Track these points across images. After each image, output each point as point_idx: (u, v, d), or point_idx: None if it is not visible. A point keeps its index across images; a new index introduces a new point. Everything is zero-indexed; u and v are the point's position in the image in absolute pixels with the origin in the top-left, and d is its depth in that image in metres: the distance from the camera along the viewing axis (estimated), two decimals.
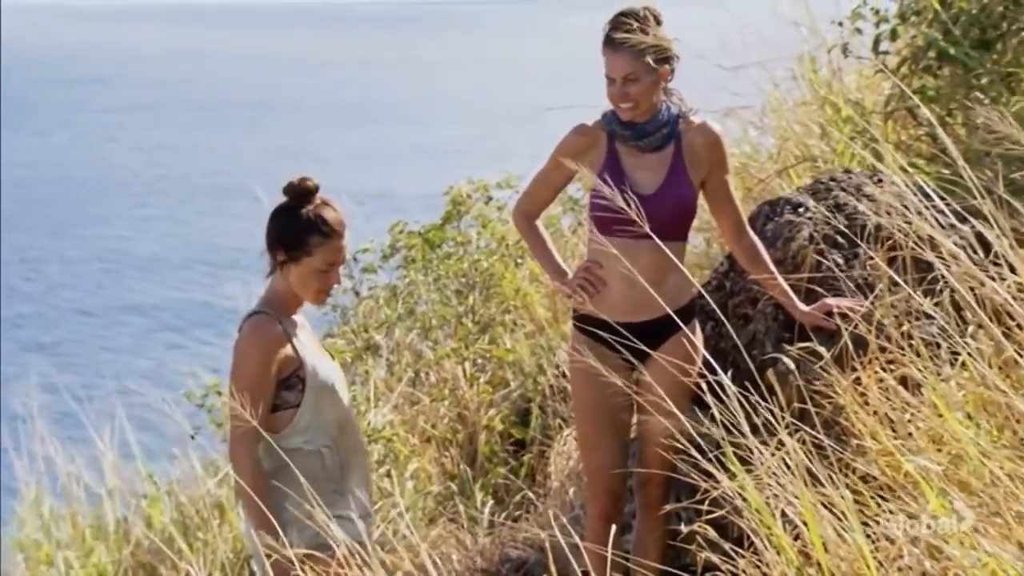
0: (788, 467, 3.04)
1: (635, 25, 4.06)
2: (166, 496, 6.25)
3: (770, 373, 3.99)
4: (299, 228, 3.88)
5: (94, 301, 25.40)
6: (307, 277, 3.90)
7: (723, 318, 4.46)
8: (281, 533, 3.43)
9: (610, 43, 4.09)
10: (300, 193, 3.90)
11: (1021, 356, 3.28)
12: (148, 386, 17.05)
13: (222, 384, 6.94)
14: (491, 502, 6.25)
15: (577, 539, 3.63)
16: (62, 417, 6.75)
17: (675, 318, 3.96)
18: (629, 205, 3.42)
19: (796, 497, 2.92)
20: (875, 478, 3.31)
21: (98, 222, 33.30)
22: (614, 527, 4.34)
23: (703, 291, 4.80)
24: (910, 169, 4.98)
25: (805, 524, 2.91)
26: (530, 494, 6.11)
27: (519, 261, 8.26)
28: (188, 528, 6.07)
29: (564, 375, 6.65)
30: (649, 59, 4.07)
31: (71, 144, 46.44)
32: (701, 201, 4.33)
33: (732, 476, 3.06)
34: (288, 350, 3.85)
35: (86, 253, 29.76)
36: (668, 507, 4.26)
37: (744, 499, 2.98)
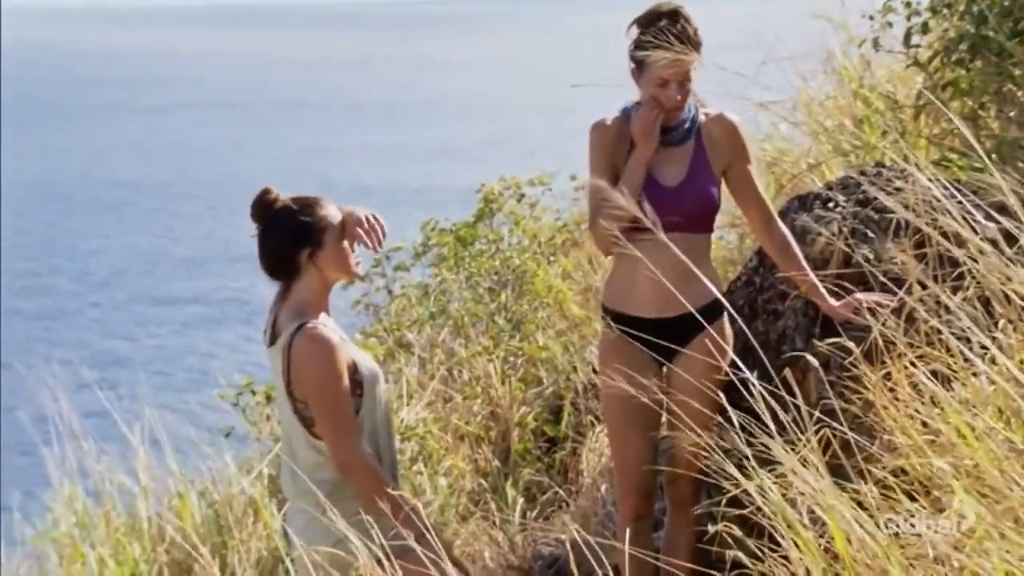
0: (814, 465, 3.03)
1: (689, 26, 4.06)
2: (200, 495, 6.29)
3: (799, 369, 3.97)
4: (299, 218, 3.87)
5: (129, 299, 25.59)
6: (339, 251, 3.89)
7: (753, 314, 4.44)
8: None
9: (673, 47, 4.05)
10: (269, 202, 3.91)
11: None
12: (181, 383, 17.17)
13: (256, 383, 6.96)
14: (523, 500, 6.24)
15: (608, 536, 3.62)
16: (92, 414, 6.79)
17: (698, 316, 3.94)
18: (642, 205, 3.43)
19: (822, 492, 2.90)
20: (906, 473, 3.28)
21: (137, 221, 33.57)
22: (645, 524, 4.35)
23: (732, 286, 4.80)
24: (941, 164, 4.95)
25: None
26: (561, 491, 6.10)
27: (551, 259, 8.25)
28: (222, 527, 6.10)
29: (596, 372, 6.63)
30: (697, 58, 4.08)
31: (107, 144, 46.82)
32: (727, 195, 4.31)
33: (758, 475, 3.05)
34: (346, 354, 3.85)
35: (123, 251, 29.98)
36: (699, 508, 4.24)
37: (767, 498, 2.97)
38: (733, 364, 3.85)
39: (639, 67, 4.14)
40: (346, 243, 3.92)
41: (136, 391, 7.11)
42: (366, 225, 3.94)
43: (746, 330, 4.10)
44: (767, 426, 3.09)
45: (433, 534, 3.50)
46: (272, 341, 3.92)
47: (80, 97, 60.31)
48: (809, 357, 3.95)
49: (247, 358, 14.44)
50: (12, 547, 6.51)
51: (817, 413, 3.33)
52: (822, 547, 2.92)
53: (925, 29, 6.14)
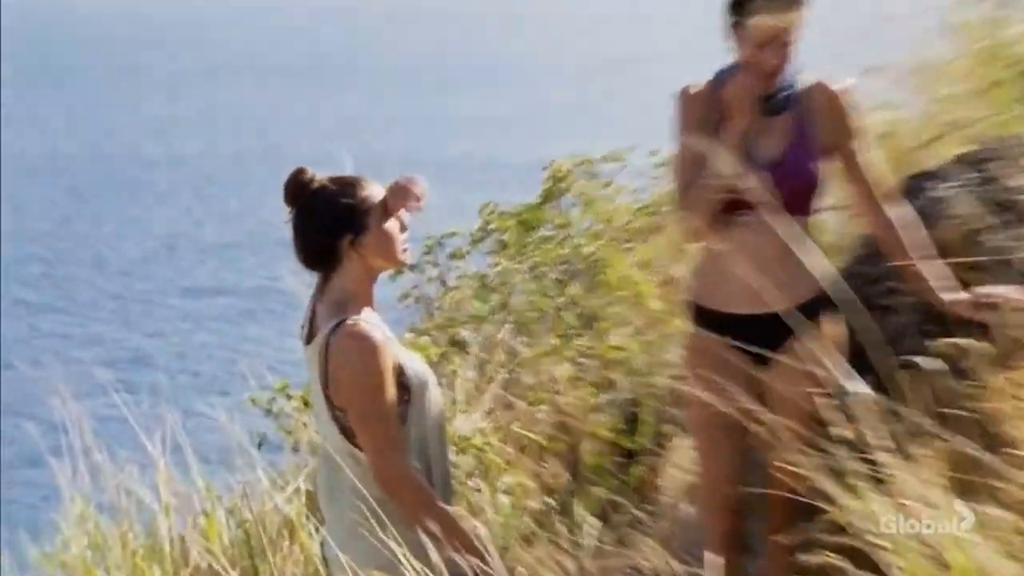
0: (934, 485, 3.01)
1: None
2: (228, 512, 6.33)
3: (913, 373, 3.94)
4: (339, 200, 3.86)
5: (150, 290, 25.81)
6: (383, 235, 3.88)
7: (861, 309, 4.39)
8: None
9: (774, 3, 4.03)
10: (305, 183, 3.90)
11: None
12: (208, 385, 17.31)
13: (292, 386, 7.00)
14: (595, 521, 6.24)
15: (691, 563, 3.62)
16: (108, 420, 6.86)
17: (785, 318, 3.93)
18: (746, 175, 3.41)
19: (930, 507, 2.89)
20: None
21: (157, 201, 33.91)
22: (734, 547, 4.34)
23: (839, 277, 4.76)
24: None
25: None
26: (639, 512, 6.10)
27: (628, 245, 8.22)
28: (254, 549, 6.13)
29: (679, 376, 6.61)
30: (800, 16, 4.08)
31: (122, 114, 47.35)
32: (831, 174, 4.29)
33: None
34: (392, 355, 3.84)
35: (143, 235, 30.27)
36: (796, 534, 4.22)
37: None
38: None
39: (735, 27, 4.13)
40: (390, 225, 3.91)
41: (157, 394, 7.17)
42: (395, 187, 3.92)
43: (871, 325, 4.06)
44: (875, 441, 3.07)
45: (495, 558, 3.50)
46: (309, 339, 3.94)
47: (90, 60, 60.94)
48: (924, 361, 3.91)
49: (282, 356, 14.55)
50: (16, 571, 6.59)
51: (935, 425, 3.31)
52: None
53: None
